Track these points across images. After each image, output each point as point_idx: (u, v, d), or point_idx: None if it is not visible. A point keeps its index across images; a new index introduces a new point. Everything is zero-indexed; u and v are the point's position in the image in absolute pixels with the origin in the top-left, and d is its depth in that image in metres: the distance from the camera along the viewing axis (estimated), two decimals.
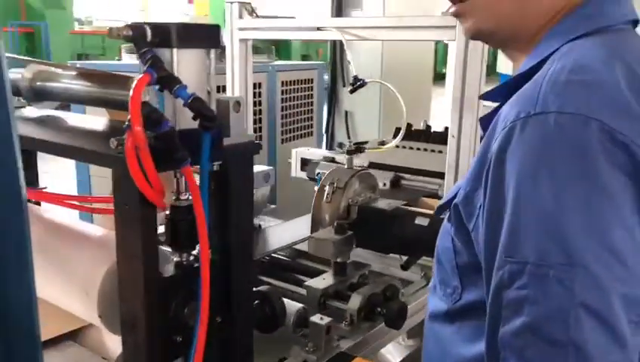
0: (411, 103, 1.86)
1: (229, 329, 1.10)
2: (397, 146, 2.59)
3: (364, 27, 1.78)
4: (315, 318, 1.33)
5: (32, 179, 1.48)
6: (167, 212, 1.02)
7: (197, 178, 0.98)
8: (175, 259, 1.05)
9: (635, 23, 0.89)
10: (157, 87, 0.91)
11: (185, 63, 0.93)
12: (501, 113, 0.81)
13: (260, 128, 4.23)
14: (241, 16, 2.11)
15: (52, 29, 10.01)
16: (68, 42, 11.11)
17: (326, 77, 4.75)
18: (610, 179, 0.70)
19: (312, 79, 4.75)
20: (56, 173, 3.00)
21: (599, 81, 0.76)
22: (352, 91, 1.69)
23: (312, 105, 4.85)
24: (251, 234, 1.13)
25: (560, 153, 0.72)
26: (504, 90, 0.90)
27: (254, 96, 4.14)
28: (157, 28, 0.91)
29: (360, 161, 2.31)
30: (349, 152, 1.69)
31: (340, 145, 3.61)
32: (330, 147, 5.06)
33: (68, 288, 1.14)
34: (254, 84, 4.16)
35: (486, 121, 0.89)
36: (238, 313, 1.11)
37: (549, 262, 0.70)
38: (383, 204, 1.63)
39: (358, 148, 1.71)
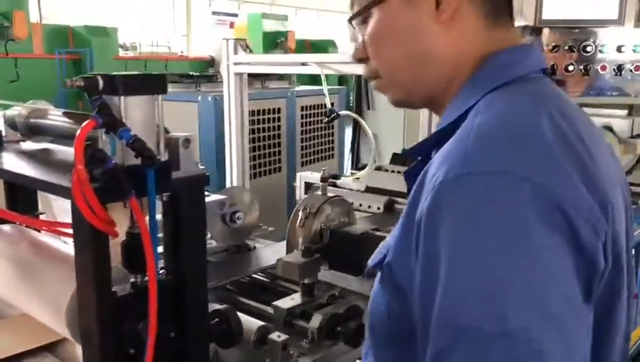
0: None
1: (182, 343, 1.22)
2: (392, 171, 2.69)
3: (339, 62, 1.91)
4: (273, 336, 1.43)
5: (30, 205, 1.64)
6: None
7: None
8: (131, 280, 1.18)
9: (544, 71, 0.88)
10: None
11: (131, 108, 1.07)
12: (428, 171, 0.77)
13: (280, 152, 4.39)
14: (236, 52, 2.26)
15: (97, 54, 10.53)
16: (112, 67, 11.62)
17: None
18: (545, 241, 0.66)
19: (332, 103, 4.88)
20: None
21: (526, 134, 0.72)
22: (327, 122, 1.81)
23: (332, 127, 4.99)
24: (204, 257, 1.24)
25: (491, 216, 0.67)
26: (427, 146, 0.91)
27: (273, 121, 4.31)
28: (106, 78, 1.05)
29: (358, 185, 2.42)
30: (323, 180, 1.80)
31: (364, 166, 3.71)
32: (355, 168, 5.18)
33: (45, 304, 1.27)
34: (273, 109, 4.34)
35: (412, 176, 0.87)
36: (191, 329, 1.22)
37: (487, 330, 0.65)
38: (353, 228, 1.73)
39: (333, 175, 1.82)
